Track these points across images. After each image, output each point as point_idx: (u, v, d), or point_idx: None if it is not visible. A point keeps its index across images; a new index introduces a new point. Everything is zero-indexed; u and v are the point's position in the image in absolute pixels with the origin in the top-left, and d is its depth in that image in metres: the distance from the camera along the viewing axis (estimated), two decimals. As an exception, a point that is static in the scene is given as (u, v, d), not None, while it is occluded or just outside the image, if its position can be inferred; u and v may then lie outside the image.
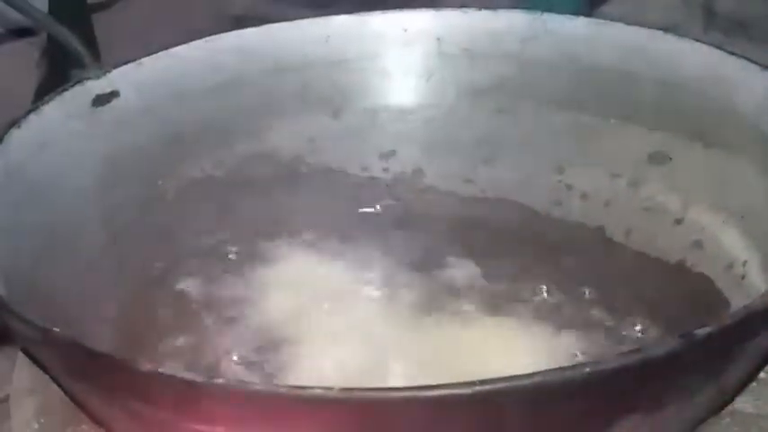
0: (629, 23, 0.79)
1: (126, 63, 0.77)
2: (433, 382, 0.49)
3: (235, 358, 0.67)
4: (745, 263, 0.69)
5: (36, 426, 0.62)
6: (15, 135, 0.69)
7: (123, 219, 0.73)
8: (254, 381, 0.63)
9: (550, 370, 0.50)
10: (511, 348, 0.67)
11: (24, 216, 0.67)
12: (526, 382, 0.49)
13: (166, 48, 0.78)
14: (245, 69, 0.80)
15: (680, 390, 0.54)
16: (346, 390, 0.49)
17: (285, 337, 0.68)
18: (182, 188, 0.77)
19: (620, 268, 0.73)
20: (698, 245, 0.72)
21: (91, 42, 1.12)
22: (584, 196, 0.78)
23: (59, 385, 0.62)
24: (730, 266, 0.69)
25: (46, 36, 1.27)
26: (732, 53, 0.73)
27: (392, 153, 0.82)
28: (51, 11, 1.18)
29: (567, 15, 0.81)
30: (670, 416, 0.55)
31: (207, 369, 0.65)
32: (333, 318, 0.70)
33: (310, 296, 0.72)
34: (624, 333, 0.67)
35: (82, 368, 0.56)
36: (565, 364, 0.51)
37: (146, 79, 0.77)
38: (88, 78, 0.75)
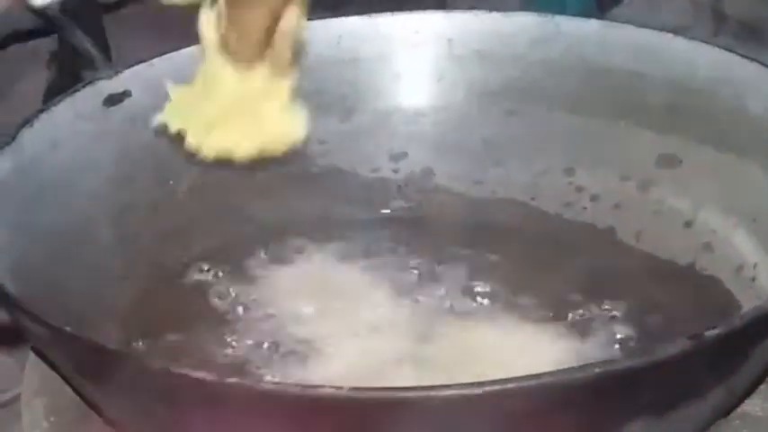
0: (639, 26, 0.79)
1: (137, 63, 0.77)
2: (444, 382, 0.49)
3: (246, 357, 0.67)
4: (755, 265, 0.69)
5: (46, 425, 0.62)
6: (27, 135, 0.69)
7: (135, 218, 0.73)
8: (265, 380, 0.63)
9: (560, 370, 0.50)
10: (520, 349, 0.67)
11: (36, 215, 0.67)
12: (535, 382, 0.49)
13: (178, 48, 0.78)
14: (256, 70, 0.80)
15: (690, 391, 0.54)
16: (357, 389, 0.49)
17: (295, 337, 0.68)
18: (192, 188, 0.77)
19: (630, 270, 0.73)
20: (708, 247, 0.72)
21: (102, 43, 1.12)
22: (594, 198, 0.78)
23: (70, 384, 0.62)
24: (740, 269, 0.69)
25: (57, 36, 1.27)
26: (743, 56, 0.73)
27: (403, 154, 0.82)
28: (63, 11, 1.18)
29: (578, 17, 0.81)
30: (679, 417, 0.55)
31: (218, 368, 0.65)
32: (343, 318, 0.70)
33: (320, 296, 0.72)
34: (634, 334, 0.67)
35: (93, 367, 0.56)
36: (574, 365, 0.51)
37: (157, 79, 0.77)
38: (100, 78, 0.75)
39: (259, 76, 0.60)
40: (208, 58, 0.60)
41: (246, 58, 0.60)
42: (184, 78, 0.69)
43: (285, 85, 0.61)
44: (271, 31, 0.59)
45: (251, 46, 0.59)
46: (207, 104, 0.60)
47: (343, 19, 0.82)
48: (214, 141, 0.60)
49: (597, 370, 0.50)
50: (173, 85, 0.62)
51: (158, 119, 0.61)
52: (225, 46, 0.60)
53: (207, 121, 0.60)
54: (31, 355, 0.66)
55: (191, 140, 0.60)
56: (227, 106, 0.60)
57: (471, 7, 0.84)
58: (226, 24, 0.59)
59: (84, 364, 0.57)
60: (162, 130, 0.61)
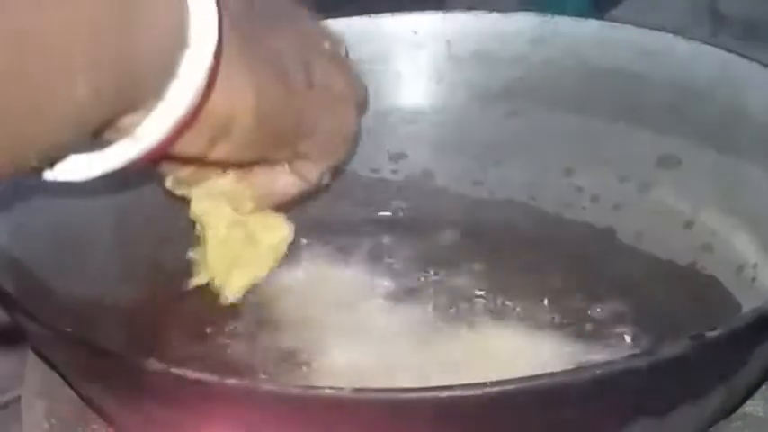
0: (639, 26, 0.79)
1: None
2: (445, 384, 0.49)
3: (246, 358, 0.67)
4: (755, 265, 0.69)
5: (47, 426, 0.62)
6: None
7: (135, 219, 0.73)
8: (265, 381, 0.63)
9: (560, 371, 0.50)
10: (519, 350, 0.67)
11: (37, 216, 0.67)
12: (536, 383, 0.49)
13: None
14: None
15: (690, 392, 0.54)
16: (358, 390, 0.49)
17: (295, 338, 0.68)
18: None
19: (630, 271, 0.73)
20: (708, 248, 0.72)
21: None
22: (593, 199, 0.78)
23: (70, 385, 0.62)
24: (741, 269, 0.69)
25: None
26: (743, 56, 0.73)
27: (402, 155, 0.82)
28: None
29: (578, 18, 0.81)
30: (680, 418, 0.55)
31: (219, 368, 0.65)
32: (343, 320, 0.70)
33: (320, 298, 0.72)
34: (634, 335, 0.67)
35: (93, 368, 0.56)
36: (574, 366, 0.51)
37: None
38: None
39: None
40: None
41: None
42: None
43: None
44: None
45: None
46: (211, 255, 0.66)
47: (342, 19, 0.82)
48: (233, 286, 0.66)
49: (598, 371, 0.50)
50: (192, 250, 0.66)
51: (192, 281, 0.66)
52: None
53: (216, 268, 0.66)
54: (32, 356, 0.66)
55: (217, 286, 0.66)
56: (224, 249, 0.66)
57: (470, 7, 0.83)
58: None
59: (85, 366, 0.57)
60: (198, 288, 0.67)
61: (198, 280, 0.66)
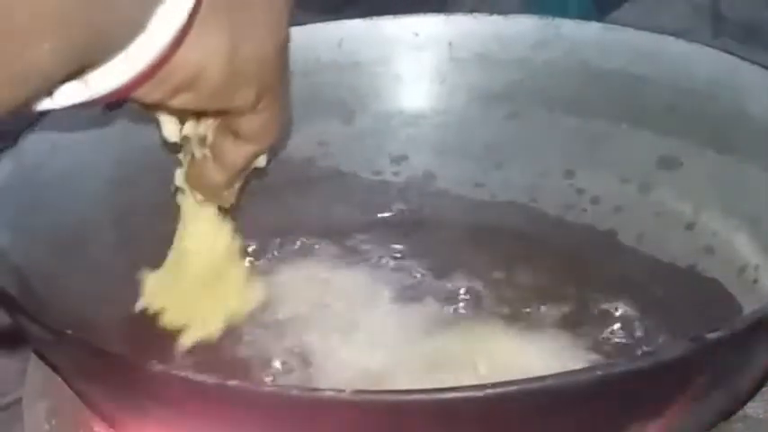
0: (639, 29, 0.79)
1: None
2: (445, 385, 0.49)
3: (247, 360, 0.67)
4: (757, 267, 0.69)
5: (47, 427, 0.63)
6: (29, 137, 0.69)
7: (136, 220, 0.73)
8: (266, 382, 0.63)
9: (562, 373, 0.50)
10: (521, 352, 0.67)
11: (38, 218, 0.67)
12: (538, 385, 0.49)
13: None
14: (258, 73, 0.80)
15: (691, 393, 0.54)
16: (358, 392, 0.49)
17: (296, 340, 0.68)
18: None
19: (631, 272, 0.73)
20: (709, 250, 0.72)
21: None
22: (595, 200, 0.78)
23: (71, 387, 0.62)
24: (742, 271, 0.69)
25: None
26: (743, 58, 0.73)
27: (404, 157, 0.82)
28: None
29: (579, 20, 0.81)
30: (681, 420, 0.55)
31: (219, 370, 0.65)
32: (343, 321, 0.70)
33: (321, 299, 0.72)
34: (635, 337, 0.67)
35: (94, 369, 0.56)
36: (575, 367, 0.51)
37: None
38: (101, 81, 0.75)
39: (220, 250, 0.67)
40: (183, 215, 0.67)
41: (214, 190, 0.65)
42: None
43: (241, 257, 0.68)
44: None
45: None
46: (177, 287, 0.66)
47: (344, 22, 0.82)
48: (188, 336, 0.66)
49: (599, 372, 0.50)
50: (147, 272, 0.67)
51: (139, 304, 0.66)
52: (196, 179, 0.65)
53: (180, 306, 0.66)
54: (33, 358, 0.66)
55: (168, 323, 0.66)
56: (194, 290, 0.67)
57: (472, 10, 0.83)
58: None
59: (86, 367, 0.57)
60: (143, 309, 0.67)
61: (149, 305, 0.66)
